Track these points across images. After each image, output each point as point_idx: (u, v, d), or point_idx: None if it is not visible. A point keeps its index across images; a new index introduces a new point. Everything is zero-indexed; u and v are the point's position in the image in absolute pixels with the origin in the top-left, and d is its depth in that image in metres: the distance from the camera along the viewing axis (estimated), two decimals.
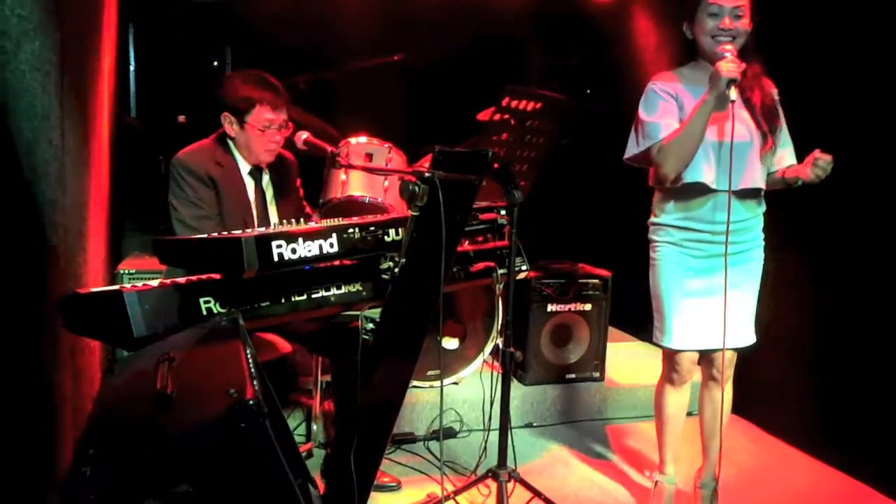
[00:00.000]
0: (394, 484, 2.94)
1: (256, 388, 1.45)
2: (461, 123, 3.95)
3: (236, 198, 2.67)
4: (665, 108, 2.52)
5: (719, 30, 2.44)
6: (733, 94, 2.34)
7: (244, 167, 2.71)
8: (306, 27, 4.59)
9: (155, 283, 1.89)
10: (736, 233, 2.53)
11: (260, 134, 2.62)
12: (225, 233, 2.13)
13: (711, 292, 2.56)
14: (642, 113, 2.55)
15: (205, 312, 1.88)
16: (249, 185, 2.72)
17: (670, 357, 2.70)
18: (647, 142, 2.52)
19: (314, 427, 3.25)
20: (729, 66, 2.34)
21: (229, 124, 2.64)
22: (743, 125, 2.51)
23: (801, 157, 2.59)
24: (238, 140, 2.66)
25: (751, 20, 2.47)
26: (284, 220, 2.10)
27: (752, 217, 2.60)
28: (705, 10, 2.45)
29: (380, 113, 4.53)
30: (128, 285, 1.85)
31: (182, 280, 1.93)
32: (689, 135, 2.43)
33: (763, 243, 2.66)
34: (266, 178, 2.78)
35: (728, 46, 2.40)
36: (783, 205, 2.71)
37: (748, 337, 2.66)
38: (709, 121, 2.42)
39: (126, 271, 3.49)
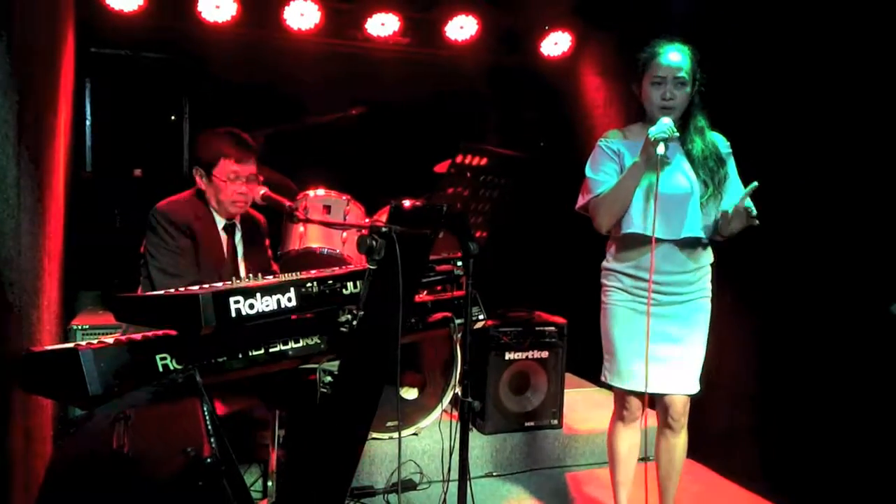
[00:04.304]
0: None
1: (214, 445, 1.45)
2: (420, 175, 4.02)
3: (212, 251, 2.72)
4: (606, 165, 2.69)
5: (661, 100, 2.59)
6: (661, 148, 2.47)
7: (219, 222, 2.77)
8: (265, 81, 4.66)
9: (110, 339, 1.88)
10: (679, 284, 2.65)
11: (226, 185, 2.69)
12: (182, 288, 2.14)
13: (659, 338, 2.65)
14: (587, 169, 2.74)
15: (161, 369, 1.86)
16: (224, 239, 2.78)
17: (621, 396, 2.81)
18: (587, 195, 2.70)
19: (270, 483, 3.20)
20: (656, 129, 2.48)
21: (200, 177, 2.72)
22: (683, 176, 2.63)
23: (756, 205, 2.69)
24: (208, 193, 2.73)
25: (694, 82, 2.61)
26: (251, 275, 2.12)
27: (697, 269, 2.70)
28: (650, 78, 2.61)
29: (339, 165, 4.59)
30: (83, 343, 1.83)
31: (138, 337, 1.92)
32: (619, 193, 2.62)
33: (709, 295, 2.76)
34: (238, 235, 2.85)
35: (664, 118, 2.53)
36: (721, 253, 2.82)
37: (692, 386, 2.74)
38: (641, 178, 2.57)
39: (80, 327, 3.44)
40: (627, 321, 2.71)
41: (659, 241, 2.60)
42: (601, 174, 2.69)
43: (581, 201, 2.74)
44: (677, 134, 2.53)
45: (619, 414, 2.85)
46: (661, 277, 2.63)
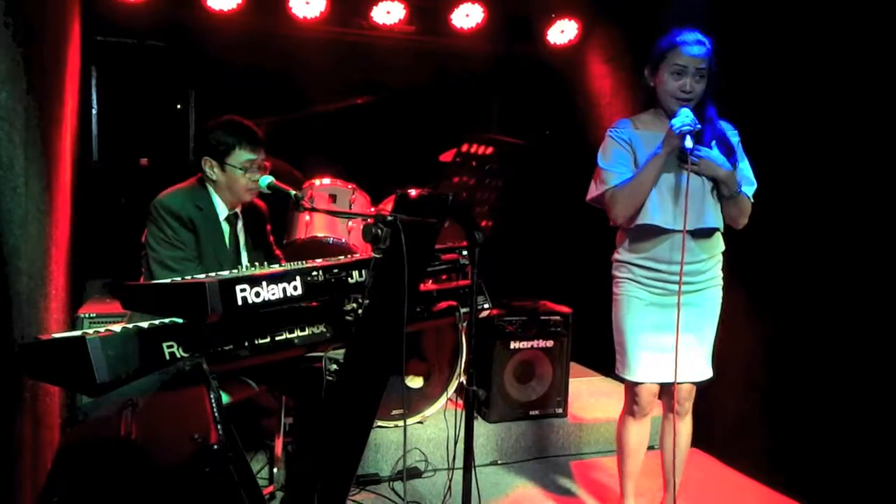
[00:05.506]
0: None
1: (220, 432, 1.46)
2: (425, 164, 4.02)
3: (214, 241, 2.71)
4: (619, 156, 2.66)
5: (681, 91, 2.56)
6: (689, 141, 2.45)
7: (222, 212, 2.75)
8: (271, 70, 4.65)
9: (117, 327, 1.89)
10: (692, 273, 2.63)
11: (241, 174, 2.68)
12: (189, 277, 2.14)
13: (671, 328, 2.63)
14: (599, 159, 2.70)
15: (168, 357, 1.87)
16: (226, 229, 2.77)
17: (632, 389, 2.78)
18: (602, 186, 2.66)
19: (276, 470, 3.22)
20: (679, 121, 2.47)
21: (210, 168, 2.69)
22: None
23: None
24: (219, 183, 2.71)
25: (710, 73, 2.57)
26: (255, 264, 2.12)
27: (709, 258, 2.70)
28: (669, 67, 2.57)
29: (344, 154, 4.60)
30: (90, 331, 1.84)
31: (145, 325, 1.93)
32: (639, 185, 2.58)
33: (721, 283, 2.75)
34: (240, 224, 2.83)
35: (685, 110, 2.51)
36: (733, 244, 2.81)
37: (705, 372, 2.75)
38: (661, 170, 2.55)
39: (87, 315, 3.46)
40: (639, 312, 2.69)
41: (670, 231, 2.59)
42: (614, 165, 2.65)
43: (594, 192, 2.71)
44: (699, 126, 2.51)
45: (630, 408, 2.81)
46: (673, 267, 2.61)
